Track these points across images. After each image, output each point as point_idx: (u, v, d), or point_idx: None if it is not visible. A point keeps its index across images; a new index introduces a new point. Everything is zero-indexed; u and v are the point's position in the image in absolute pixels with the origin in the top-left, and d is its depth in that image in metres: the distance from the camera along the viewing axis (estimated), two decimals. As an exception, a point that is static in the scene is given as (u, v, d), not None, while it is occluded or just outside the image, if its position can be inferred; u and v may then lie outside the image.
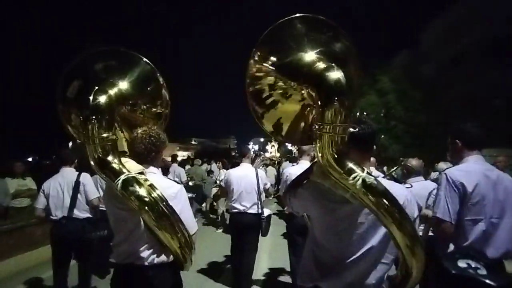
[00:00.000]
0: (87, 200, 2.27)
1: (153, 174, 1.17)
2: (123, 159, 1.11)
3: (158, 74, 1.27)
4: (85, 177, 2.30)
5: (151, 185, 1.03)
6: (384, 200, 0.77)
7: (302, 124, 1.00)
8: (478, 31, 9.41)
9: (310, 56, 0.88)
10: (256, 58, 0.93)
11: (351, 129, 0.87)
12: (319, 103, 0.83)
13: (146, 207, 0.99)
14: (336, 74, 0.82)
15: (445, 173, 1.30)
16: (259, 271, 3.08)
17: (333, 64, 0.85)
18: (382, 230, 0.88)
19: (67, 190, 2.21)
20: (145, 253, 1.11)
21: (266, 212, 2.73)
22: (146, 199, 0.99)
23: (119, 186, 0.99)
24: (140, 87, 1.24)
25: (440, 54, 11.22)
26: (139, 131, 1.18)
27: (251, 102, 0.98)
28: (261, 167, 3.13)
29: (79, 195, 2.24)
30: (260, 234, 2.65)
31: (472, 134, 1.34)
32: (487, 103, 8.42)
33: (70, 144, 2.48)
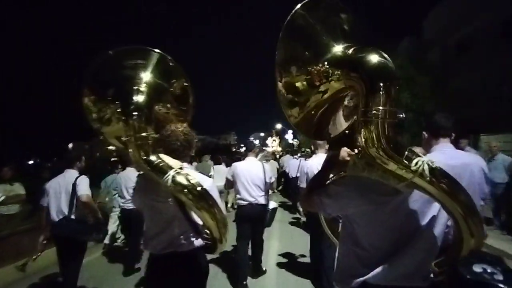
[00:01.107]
0: (77, 197, 2.28)
1: (189, 169, 1.25)
2: (162, 156, 1.18)
3: (184, 73, 1.34)
4: (81, 179, 2.33)
5: (193, 178, 1.13)
6: (450, 183, 0.74)
7: (325, 116, 0.97)
8: (486, 15, 9.15)
9: (342, 42, 0.83)
10: (283, 49, 0.89)
11: (399, 115, 0.80)
12: (366, 87, 0.76)
13: (192, 196, 1.10)
14: (378, 55, 0.77)
15: None
16: (268, 258, 3.38)
17: (368, 46, 0.80)
18: (430, 213, 0.87)
19: (65, 191, 2.26)
20: (184, 240, 1.24)
21: (272, 204, 2.93)
22: (193, 190, 1.09)
23: (169, 181, 1.07)
24: (169, 85, 1.31)
25: (448, 39, 10.91)
26: (173, 129, 1.25)
27: (282, 94, 0.94)
28: (265, 161, 3.38)
29: (76, 196, 2.27)
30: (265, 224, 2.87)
31: (437, 124, 1.39)
32: (496, 89, 8.37)
33: (70, 145, 2.53)
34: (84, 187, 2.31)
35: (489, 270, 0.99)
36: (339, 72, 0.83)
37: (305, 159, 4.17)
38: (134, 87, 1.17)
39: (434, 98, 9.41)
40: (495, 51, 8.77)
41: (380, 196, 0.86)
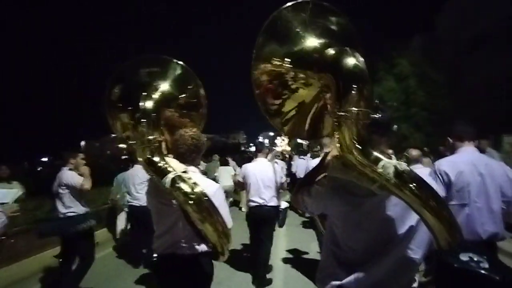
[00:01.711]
0: (77, 187, 2.36)
1: (195, 173, 1.29)
2: (167, 159, 1.23)
3: (197, 78, 1.41)
4: (65, 174, 2.40)
5: (195, 183, 1.15)
6: (419, 187, 0.71)
7: (311, 117, 0.98)
8: (501, 10, 8.72)
9: (317, 41, 0.83)
10: (260, 52, 0.89)
11: (373, 115, 0.79)
12: (337, 88, 0.77)
13: (191, 202, 1.10)
14: (351, 57, 0.78)
15: (434, 164, 1.51)
16: (277, 256, 3.42)
17: (346, 47, 0.81)
18: (409, 221, 0.83)
19: (56, 189, 2.40)
20: (185, 244, 1.26)
21: (284, 204, 2.95)
22: (191, 195, 1.10)
23: (167, 183, 1.10)
24: (181, 92, 1.37)
25: (461, 35, 10.47)
26: (182, 133, 1.31)
27: (260, 99, 0.96)
28: (275, 161, 3.30)
29: (61, 191, 2.37)
30: (277, 225, 2.89)
31: (460, 129, 1.56)
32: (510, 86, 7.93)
33: (83, 143, 2.86)
34: (74, 179, 2.37)
35: (475, 259, 1.02)
36: (314, 72, 0.85)
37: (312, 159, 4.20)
38: (143, 94, 1.25)
39: (449, 96, 9.13)
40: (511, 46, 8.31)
41: (356, 197, 0.86)
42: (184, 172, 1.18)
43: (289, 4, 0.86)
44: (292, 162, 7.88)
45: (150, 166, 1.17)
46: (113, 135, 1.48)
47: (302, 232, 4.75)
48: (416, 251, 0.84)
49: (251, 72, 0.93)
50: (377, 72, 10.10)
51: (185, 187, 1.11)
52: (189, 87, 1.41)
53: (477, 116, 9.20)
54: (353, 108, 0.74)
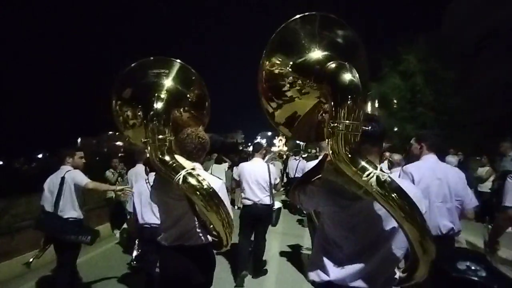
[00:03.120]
0: (81, 187, 2.33)
1: (201, 170, 1.40)
2: (176, 156, 1.31)
3: (202, 80, 1.51)
4: (71, 173, 2.36)
5: (203, 179, 1.25)
6: (397, 196, 0.82)
7: (311, 122, 1.06)
8: (509, 8, 8.54)
9: (321, 54, 0.93)
10: (268, 58, 0.99)
11: (364, 127, 0.89)
12: (333, 101, 0.87)
13: (201, 196, 1.22)
14: (349, 72, 0.86)
15: (402, 167, 1.81)
16: (271, 253, 3.65)
17: (345, 61, 0.89)
18: (391, 223, 0.94)
19: (55, 188, 2.31)
20: (192, 236, 1.39)
21: (277, 204, 3.11)
22: (201, 190, 1.22)
23: (180, 180, 1.20)
24: (187, 92, 1.47)
25: (469, 32, 10.21)
26: (189, 132, 1.40)
27: (264, 100, 1.04)
28: (270, 162, 3.49)
29: (64, 193, 2.30)
30: (270, 224, 3.04)
31: (434, 140, 1.84)
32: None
33: (79, 140, 2.80)
34: (80, 177, 2.36)
35: (473, 267, 1.04)
36: (312, 81, 0.94)
37: (306, 161, 4.33)
38: (155, 94, 1.33)
39: (459, 96, 8.66)
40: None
41: (344, 200, 0.97)
42: (193, 169, 1.27)
43: (298, 16, 0.96)
44: (288, 162, 8.00)
45: (162, 164, 1.25)
46: (110, 132, 1.54)
47: (296, 229, 4.97)
48: (398, 250, 0.98)
49: (258, 73, 1.01)
50: (382, 69, 9.76)
51: (195, 183, 1.21)
52: (194, 87, 1.51)
53: (489, 118, 9.06)
54: (346, 121, 0.84)
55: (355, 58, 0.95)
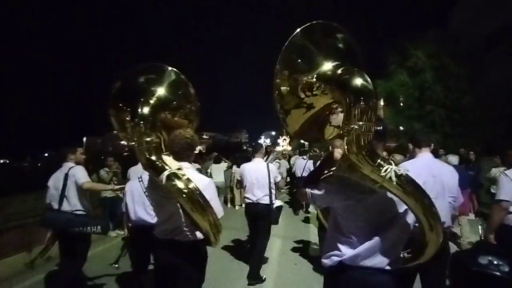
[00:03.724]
0: (78, 185, 2.37)
1: (188, 169, 1.46)
2: (163, 156, 1.40)
3: (189, 83, 1.61)
4: (74, 169, 2.42)
5: (188, 179, 1.32)
6: (413, 188, 0.96)
7: (318, 122, 1.17)
8: None
9: (328, 61, 1.04)
10: (282, 65, 1.10)
11: (376, 127, 0.99)
12: (347, 104, 0.97)
13: (184, 196, 1.27)
14: (361, 77, 0.97)
15: (406, 163, 1.84)
16: (274, 250, 3.80)
17: (355, 67, 1.01)
18: (400, 210, 1.08)
19: (60, 183, 2.38)
20: (182, 231, 1.46)
21: (278, 203, 3.18)
22: (185, 190, 1.27)
23: (163, 180, 1.26)
24: (175, 96, 1.58)
25: (484, 25, 9.75)
26: (176, 133, 1.49)
27: (278, 102, 1.15)
28: (273, 162, 3.64)
29: (68, 188, 2.37)
30: (272, 222, 3.12)
31: (418, 137, 1.92)
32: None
33: (85, 139, 2.84)
34: (80, 175, 2.40)
35: (495, 262, 1.01)
36: (328, 87, 1.06)
37: (310, 160, 4.38)
38: (141, 100, 1.43)
39: (471, 92, 8.32)
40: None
41: (359, 194, 1.08)
42: (179, 169, 1.34)
43: (303, 26, 1.06)
44: (291, 162, 7.87)
45: (148, 164, 1.35)
46: (115, 131, 1.65)
47: (299, 227, 5.07)
48: (404, 233, 1.12)
49: (273, 78, 1.12)
50: (388, 65, 9.51)
51: (178, 182, 1.27)
52: (182, 91, 1.62)
53: (503, 116, 8.70)
54: (360, 122, 0.93)
55: (357, 62, 1.08)
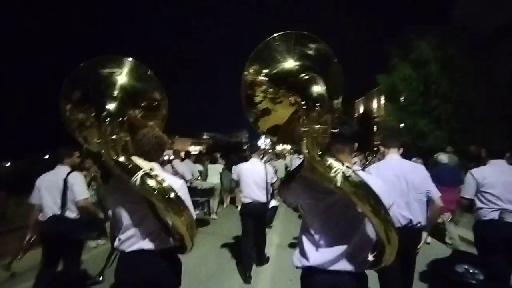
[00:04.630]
0: (74, 201, 2.33)
1: (160, 170, 1.39)
2: (133, 157, 1.31)
3: (158, 81, 1.50)
4: (75, 177, 2.36)
5: (162, 179, 1.25)
6: (361, 190, 1.00)
7: (293, 126, 1.21)
8: None
9: (294, 67, 1.12)
10: (249, 72, 1.16)
11: (333, 130, 1.08)
12: (304, 107, 1.05)
13: (161, 197, 1.21)
14: (316, 85, 1.05)
15: (373, 166, 2.02)
16: (271, 248, 3.91)
17: (314, 73, 1.08)
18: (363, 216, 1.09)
19: (57, 188, 2.31)
20: (152, 240, 1.35)
21: (273, 203, 3.30)
22: (161, 191, 1.21)
23: (137, 181, 1.19)
24: (143, 93, 1.47)
25: (491, 17, 9.38)
26: (145, 133, 1.40)
27: (246, 111, 1.21)
28: (267, 164, 3.72)
29: (68, 195, 2.32)
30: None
31: (386, 140, 2.09)
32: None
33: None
34: (79, 188, 2.33)
35: (471, 270, 1.03)
36: (287, 91, 1.13)
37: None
38: (106, 94, 1.33)
39: (479, 86, 7.91)
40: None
41: (319, 193, 1.15)
42: (151, 169, 1.26)
43: (277, 34, 1.14)
44: (286, 162, 7.89)
45: (117, 166, 1.24)
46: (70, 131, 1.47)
47: (296, 224, 4.98)
48: (370, 236, 1.14)
49: (242, 78, 1.17)
50: (390, 59, 9.25)
51: (154, 184, 1.21)
52: (149, 86, 1.50)
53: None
54: (315, 126, 1.01)
55: (327, 69, 1.14)
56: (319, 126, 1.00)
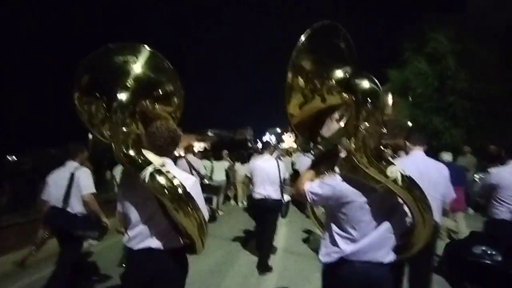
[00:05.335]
0: (79, 196, 2.36)
1: (172, 166, 1.33)
2: (144, 151, 1.26)
3: (175, 71, 1.43)
4: (81, 171, 2.39)
5: (174, 176, 1.19)
6: (414, 187, 1.08)
7: (318, 120, 1.28)
8: None
9: (345, 65, 1.16)
10: (294, 70, 1.18)
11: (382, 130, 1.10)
12: (356, 109, 1.07)
13: (170, 196, 1.15)
14: (366, 81, 1.07)
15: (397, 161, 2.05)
16: (279, 241, 4.07)
17: (363, 71, 1.12)
18: (396, 205, 1.19)
19: (63, 182, 2.35)
20: (162, 237, 1.29)
21: (286, 198, 3.56)
22: (171, 189, 1.14)
23: (147, 177, 1.13)
24: (159, 83, 1.39)
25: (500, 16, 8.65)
26: (158, 125, 1.32)
27: (289, 96, 1.22)
28: (281, 158, 4.06)
29: (73, 189, 2.34)
30: (280, 215, 3.51)
31: (417, 136, 2.10)
32: None
33: (90, 136, 2.64)
34: (86, 182, 2.35)
35: (488, 252, 1.06)
36: (338, 89, 1.15)
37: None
38: (120, 84, 1.25)
39: (499, 81, 7.43)
40: None
41: (362, 192, 1.18)
42: (163, 165, 1.20)
43: (306, 33, 1.16)
44: (293, 159, 7.87)
45: (127, 160, 1.19)
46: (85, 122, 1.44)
47: (303, 221, 5.15)
48: (400, 224, 1.23)
49: (287, 71, 1.20)
50: (403, 53, 8.79)
51: (164, 181, 1.14)
52: (165, 77, 1.41)
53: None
54: (367, 124, 1.04)
55: (355, 59, 1.17)
56: (370, 125, 1.03)
